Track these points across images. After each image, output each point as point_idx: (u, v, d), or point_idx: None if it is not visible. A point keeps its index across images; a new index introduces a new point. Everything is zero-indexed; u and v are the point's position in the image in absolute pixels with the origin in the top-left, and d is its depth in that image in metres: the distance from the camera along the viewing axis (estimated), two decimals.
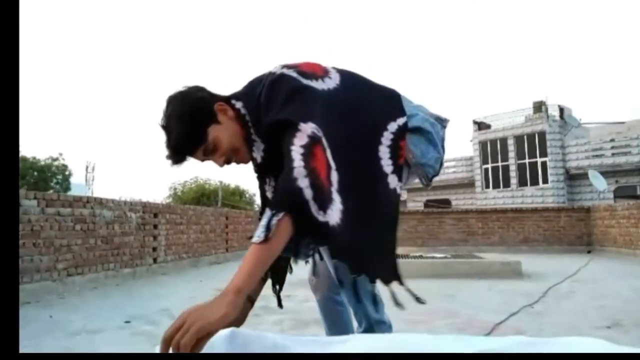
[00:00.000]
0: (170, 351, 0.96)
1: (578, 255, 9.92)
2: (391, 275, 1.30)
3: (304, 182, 1.11)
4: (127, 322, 3.38)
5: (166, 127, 1.37)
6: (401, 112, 1.43)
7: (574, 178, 21.36)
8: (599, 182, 15.80)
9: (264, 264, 1.09)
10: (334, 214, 1.15)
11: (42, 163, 25.28)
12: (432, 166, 1.46)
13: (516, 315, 3.44)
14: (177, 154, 1.37)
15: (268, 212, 1.10)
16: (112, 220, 5.96)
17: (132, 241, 6.35)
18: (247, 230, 10.78)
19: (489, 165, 23.68)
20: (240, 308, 1.04)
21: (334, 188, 1.19)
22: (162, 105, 1.41)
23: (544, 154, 21.84)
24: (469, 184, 24.26)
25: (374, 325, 1.58)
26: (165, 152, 1.38)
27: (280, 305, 1.59)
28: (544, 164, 21.85)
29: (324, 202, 1.13)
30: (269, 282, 1.57)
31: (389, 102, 1.46)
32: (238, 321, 1.49)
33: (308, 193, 1.11)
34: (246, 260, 1.07)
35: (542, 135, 21.92)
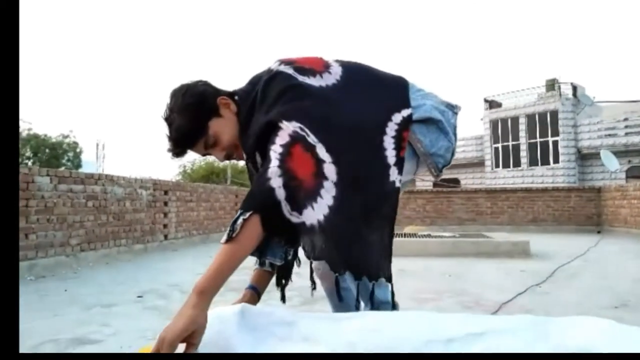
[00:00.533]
0: None
1: (588, 236, 9.89)
2: (379, 272, 1.28)
3: (276, 182, 1.11)
4: (140, 296, 3.45)
5: (168, 119, 1.38)
6: (406, 103, 1.41)
7: (586, 158, 21.17)
8: (611, 162, 15.63)
9: (229, 263, 1.09)
10: (314, 213, 1.13)
11: (54, 140, 25.49)
12: (443, 155, 1.44)
13: (523, 294, 3.46)
14: (178, 147, 1.38)
15: (237, 212, 1.11)
16: (123, 197, 6.04)
17: (143, 218, 6.44)
18: None
19: (500, 145, 23.49)
20: (206, 308, 1.05)
21: (331, 180, 1.17)
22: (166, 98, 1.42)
23: (555, 133, 21.61)
24: (479, 164, 24.12)
25: (379, 306, 1.60)
26: (167, 144, 1.40)
27: (283, 299, 1.61)
28: (555, 144, 21.64)
29: (299, 202, 1.12)
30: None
31: (394, 93, 1.44)
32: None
33: (280, 193, 1.10)
34: (213, 262, 1.09)
35: (554, 114, 21.66)
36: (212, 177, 24.34)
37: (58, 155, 25.27)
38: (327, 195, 1.16)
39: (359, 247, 1.22)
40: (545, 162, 21.99)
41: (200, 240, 8.08)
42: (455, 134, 1.48)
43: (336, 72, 1.40)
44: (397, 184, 1.31)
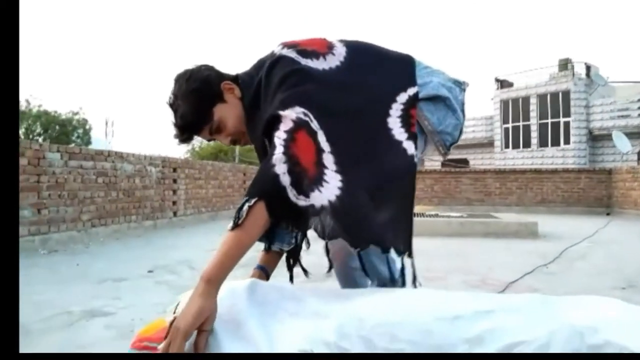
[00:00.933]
0: None
1: (597, 217, 9.85)
2: (402, 245, 1.28)
3: (281, 168, 1.09)
4: (150, 271, 3.51)
5: (172, 106, 1.38)
6: (412, 81, 1.39)
7: (597, 139, 20.94)
8: (623, 144, 15.46)
9: (236, 251, 1.08)
10: (324, 195, 1.13)
11: (64, 117, 25.62)
12: (450, 133, 1.42)
13: (530, 274, 3.47)
14: (183, 133, 1.38)
15: (242, 199, 1.10)
16: (133, 174, 6.09)
17: (152, 195, 6.50)
18: None
19: (510, 125, 23.29)
20: (214, 295, 1.05)
21: (330, 169, 1.17)
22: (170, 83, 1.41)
23: (567, 113, 21.36)
24: (488, 144, 23.96)
25: (387, 283, 1.61)
26: (172, 130, 1.39)
27: (291, 280, 1.59)
28: (566, 124, 21.40)
29: (305, 187, 1.11)
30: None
31: (399, 72, 1.42)
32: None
33: (285, 179, 1.09)
34: (218, 249, 1.08)
35: (566, 94, 21.37)
36: (220, 155, 24.41)
37: (68, 132, 25.42)
38: (334, 180, 1.16)
39: (378, 222, 1.22)
40: (556, 143, 21.79)
41: (209, 218, 8.15)
42: (463, 111, 1.47)
43: (340, 52, 1.39)
44: (416, 158, 1.31)
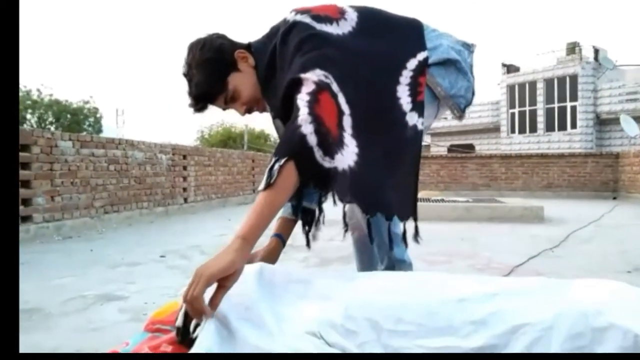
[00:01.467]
0: (189, 307, 1.00)
1: (603, 202, 9.82)
2: (407, 212, 1.32)
3: (307, 129, 1.10)
4: (162, 256, 3.57)
5: (187, 75, 1.39)
6: (422, 46, 1.40)
7: (605, 123, 20.75)
8: (631, 127, 15.34)
9: (270, 210, 1.09)
10: (345, 158, 1.14)
11: (75, 106, 25.73)
12: (464, 96, 1.45)
13: (535, 258, 3.49)
14: (199, 102, 1.40)
15: (272, 160, 1.10)
16: (144, 162, 6.15)
17: (163, 182, 6.57)
18: None
19: (516, 110, 23.11)
20: (247, 253, 1.06)
21: (347, 132, 1.19)
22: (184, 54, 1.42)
23: (574, 98, 21.15)
24: (494, 129, 23.81)
25: (395, 264, 1.64)
26: (187, 100, 1.41)
27: (308, 245, 1.62)
28: (573, 109, 21.21)
29: (330, 148, 1.12)
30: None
31: (409, 37, 1.43)
32: (270, 262, 1.56)
33: (312, 139, 1.10)
34: (252, 208, 1.09)
35: (573, 78, 21.15)
36: (229, 142, 24.47)
37: (79, 120, 25.55)
38: (351, 145, 1.18)
39: (388, 191, 1.25)
40: (562, 127, 21.62)
41: (219, 204, 8.22)
42: (472, 73, 1.48)
43: (351, 18, 1.39)
44: (420, 127, 1.33)
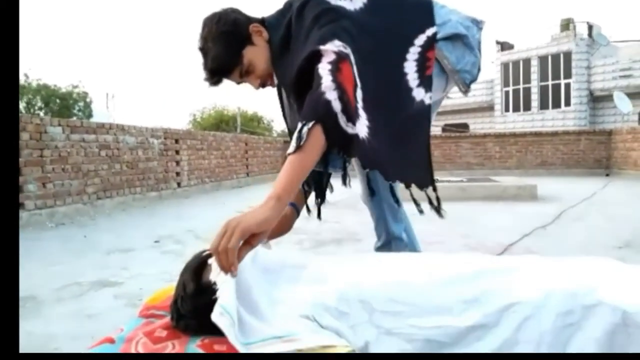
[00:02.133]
0: (219, 258, 0.99)
1: (596, 179, 9.88)
2: (425, 181, 1.37)
3: (332, 95, 1.12)
4: (156, 241, 3.57)
5: (203, 48, 1.40)
6: (431, 22, 1.43)
7: (598, 100, 20.75)
8: (624, 104, 15.35)
9: (300, 172, 1.11)
10: (361, 128, 1.17)
11: (64, 90, 25.41)
12: (469, 71, 1.48)
13: (529, 236, 3.52)
14: (214, 75, 1.41)
15: (299, 124, 1.11)
16: (136, 146, 6.11)
17: (155, 166, 6.54)
18: (266, 155, 10.92)
19: (510, 88, 23.05)
20: (281, 214, 1.07)
21: (359, 105, 1.21)
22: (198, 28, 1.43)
23: (568, 75, 21.10)
24: (489, 108, 23.77)
25: (392, 240, 1.67)
26: (202, 74, 1.42)
27: (319, 216, 1.67)
28: (567, 86, 21.18)
29: (352, 115, 1.15)
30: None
31: (418, 14, 1.45)
32: (284, 229, 1.57)
33: (336, 105, 1.12)
34: (283, 170, 1.10)
35: (567, 55, 21.07)
36: (221, 125, 24.32)
37: (69, 105, 25.26)
38: (363, 117, 1.20)
39: (402, 161, 1.29)
40: (557, 105, 21.62)
41: (212, 188, 8.21)
42: (480, 50, 1.51)
43: None
44: (427, 101, 1.36)
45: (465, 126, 23.83)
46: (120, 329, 1.23)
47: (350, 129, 1.14)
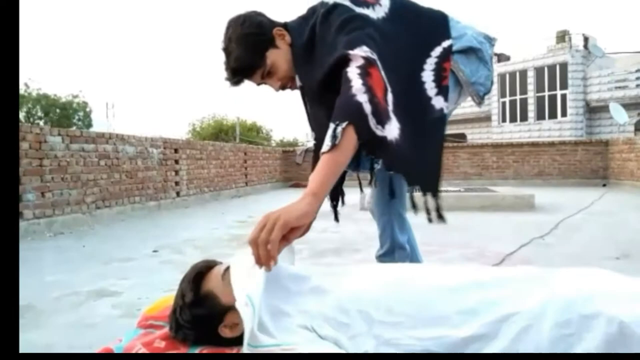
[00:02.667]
0: (258, 251, 1.00)
1: (593, 189, 9.89)
2: (436, 189, 1.39)
3: (362, 98, 1.15)
4: (155, 251, 3.57)
5: (227, 49, 1.42)
6: (447, 35, 1.47)
7: (594, 111, 20.85)
8: (620, 115, 15.40)
9: (335, 170, 1.13)
10: (392, 130, 1.21)
11: (64, 100, 25.39)
12: (483, 84, 1.52)
13: (526, 246, 3.52)
14: (236, 75, 1.43)
15: (331, 125, 1.14)
16: (135, 156, 6.12)
17: (155, 176, 6.54)
18: (265, 165, 10.93)
19: (507, 99, 23.16)
20: (317, 210, 1.10)
21: (390, 108, 1.24)
22: (222, 29, 1.46)
23: (564, 86, 21.22)
24: (486, 118, 23.86)
25: (396, 249, 1.69)
26: (224, 74, 1.44)
27: (336, 219, 1.69)
28: (563, 97, 21.29)
29: (381, 118, 1.18)
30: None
31: (435, 26, 1.49)
32: (308, 225, 1.62)
33: (367, 107, 1.14)
34: (318, 169, 1.12)
35: (563, 66, 21.20)
36: (221, 134, 24.33)
37: (69, 115, 25.23)
38: (394, 119, 1.24)
39: (420, 165, 1.33)
40: (553, 115, 21.71)
41: (211, 197, 8.20)
42: (492, 64, 1.56)
43: (385, 4, 1.45)
44: (445, 111, 1.40)
45: (462, 136, 23.89)
46: (118, 340, 1.23)
47: (379, 131, 1.17)
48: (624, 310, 0.93)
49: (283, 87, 1.49)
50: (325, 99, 1.32)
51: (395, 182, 1.59)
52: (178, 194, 7.18)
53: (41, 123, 22.84)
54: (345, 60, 1.23)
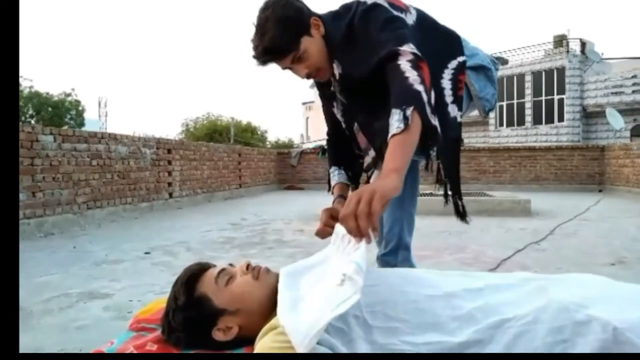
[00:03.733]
0: (358, 223, 1.01)
1: (589, 194, 9.95)
2: (459, 189, 1.55)
3: (420, 87, 1.22)
4: (147, 252, 3.54)
5: (262, 27, 1.42)
6: (461, 51, 1.57)
7: (591, 116, 20.96)
8: (616, 121, 15.49)
9: (409, 149, 1.17)
10: (437, 122, 1.28)
11: (56, 98, 25.26)
12: (489, 100, 1.63)
13: (522, 251, 3.52)
14: (267, 55, 1.43)
15: (397, 110, 1.18)
16: (127, 156, 6.08)
17: (147, 176, 6.50)
18: (260, 167, 10.90)
19: (504, 103, 23.24)
20: (402, 184, 1.13)
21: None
22: (260, 5, 1.46)
23: (561, 91, 21.32)
24: (483, 122, 23.93)
25: (401, 247, 1.69)
26: (253, 52, 1.44)
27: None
28: (560, 102, 21.38)
29: (433, 109, 1.25)
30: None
31: (451, 42, 1.59)
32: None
33: (424, 97, 1.21)
34: (393, 149, 1.16)
35: (561, 71, 21.31)
36: (215, 135, 24.28)
37: (61, 113, 25.06)
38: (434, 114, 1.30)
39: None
40: (550, 120, 21.80)
41: (205, 199, 8.16)
42: (497, 85, 1.69)
43: (413, 14, 1.52)
44: (459, 119, 1.50)
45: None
46: (110, 342, 1.22)
47: (433, 120, 1.24)
48: (618, 316, 0.94)
49: (308, 76, 1.52)
50: (362, 91, 1.43)
51: (409, 180, 1.61)
52: (171, 195, 7.13)
53: (33, 122, 22.73)
54: (395, 55, 1.29)
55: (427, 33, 1.52)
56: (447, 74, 1.50)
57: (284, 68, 1.49)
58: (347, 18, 1.46)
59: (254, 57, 1.43)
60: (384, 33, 1.36)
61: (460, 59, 1.54)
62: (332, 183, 1.70)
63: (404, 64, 1.26)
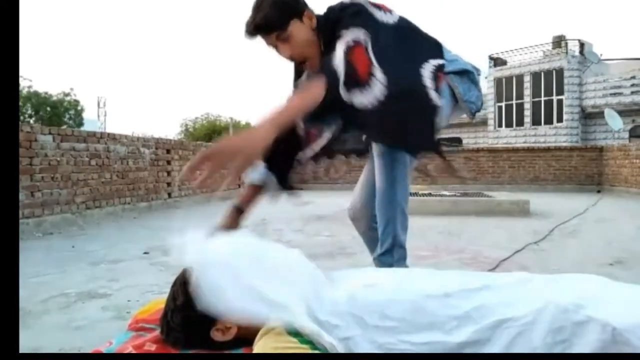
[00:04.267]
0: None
1: (588, 195, 9.95)
2: (431, 147, 1.55)
3: (339, 67, 1.38)
4: (146, 253, 3.53)
5: (259, 6, 1.53)
6: (441, 55, 1.62)
7: (590, 117, 20.98)
8: (615, 122, 15.52)
9: (299, 105, 1.32)
10: (364, 97, 1.39)
11: (55, 98, 25.22)
12: (474, 103, 1.67)
13: (521, 252, 3.52)
14: (256, 30, 1.54)
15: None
16: (126, 156, 6.08)
17: (146, 176, 6.50)
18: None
19: (503, 104, 23.26)
20: (272, 135, 1.22)
21: (377, 82, 1.40)
22: None
23: (560, 91, 21.34)
24: (482, 123, 23.94)
25: (396, 246, 1.67)
26: (245, 25, 1.55)
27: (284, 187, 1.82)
28: (559, 102, 21.40)
29: (351, 85, 1.38)
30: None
31: (431, 47, 1.65)
32: (233, 226, 1.74)
33: (340, 72, 1.38)
34: (284, 105, 1.29)
35: (559, 72, 21.33)
36: (214, 135, 24.28)
37: (59, 113, 25.04)
38: (377, 90, 1.39)
39: (406, 129, 1.47)
40: (549, 121, 21.82)
41: (204, 199, 8.16)
42: (480, 88, 1.73)
43: (395, 16, 1.61)
44: (439, 104, 1.51)
45: (458, 141, 23.98)
46: (109, 342, 1.22)
47: (345, 95, 1.38)
48: (617, 317, 0.95)
49: (291, 59, 1.62)
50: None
51: (397, 173, 1.61)
52: (170, 194, 7.13)
53: (31, 121, 22.68)
54: (345, 36, 1.44)
55: (408, 35, 1.60)
56: (426, 67, 1.54)
57: (268, 44, 1.58)
58: (331, 17, 1.57)
59: (245, 30, 1.54)
60: (346, 23, 1.48)
61: (440, 61, 1.60)
62: (248, 179, 1.76)
63: (342, 43, 1.42)
